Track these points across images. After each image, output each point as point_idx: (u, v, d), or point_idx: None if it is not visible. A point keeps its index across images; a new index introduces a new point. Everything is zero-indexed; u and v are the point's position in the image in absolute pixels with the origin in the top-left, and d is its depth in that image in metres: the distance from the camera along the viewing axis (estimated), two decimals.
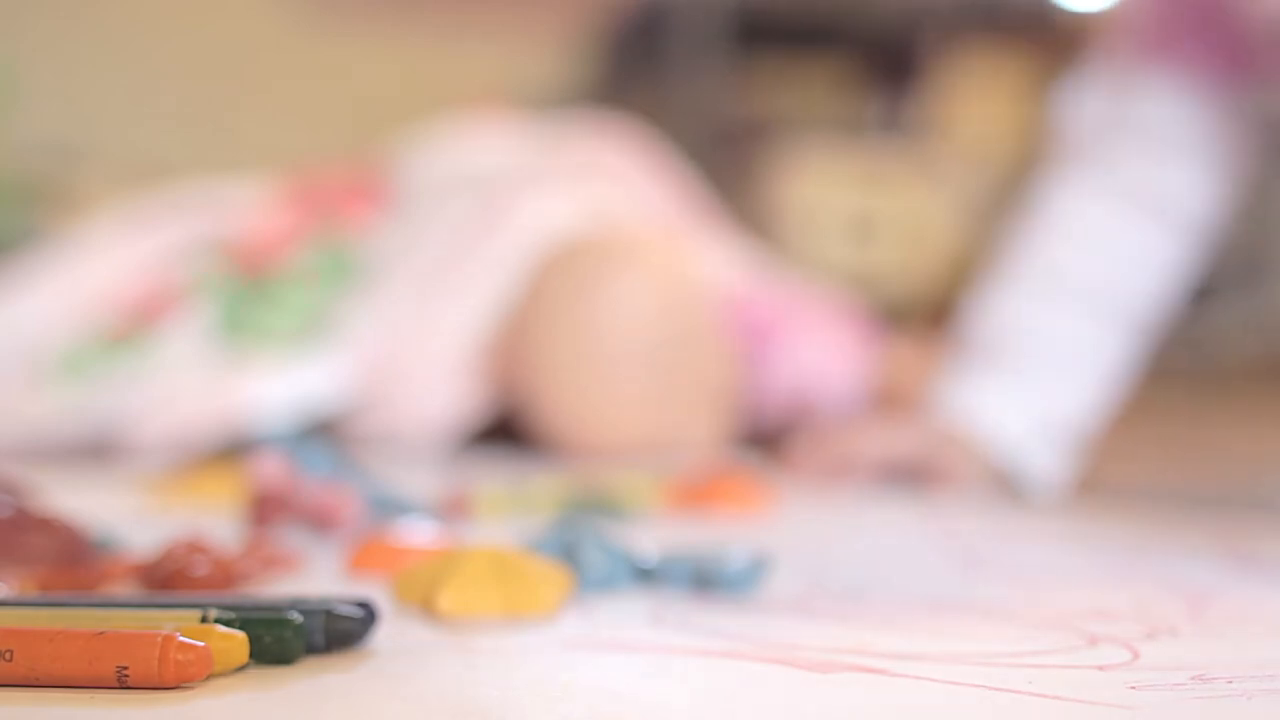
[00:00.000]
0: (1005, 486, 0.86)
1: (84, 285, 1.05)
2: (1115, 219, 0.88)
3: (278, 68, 2.30)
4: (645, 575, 0.54)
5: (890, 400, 1.08)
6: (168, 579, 0.51)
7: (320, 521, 0.63)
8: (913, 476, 0.86)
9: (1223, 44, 0.87)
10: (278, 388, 0.98)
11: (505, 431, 1.04)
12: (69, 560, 0.52)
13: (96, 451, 0.96)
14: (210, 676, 0.40)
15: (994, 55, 2.61)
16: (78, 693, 0.38)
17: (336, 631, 0.43)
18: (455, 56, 2.36)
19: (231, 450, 0.89)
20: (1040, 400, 0.87)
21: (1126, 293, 0.88)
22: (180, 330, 1.01)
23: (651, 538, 0.62)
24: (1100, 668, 0.44)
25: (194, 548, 0.52)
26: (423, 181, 1.09)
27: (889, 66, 2.50)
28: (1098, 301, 0.87)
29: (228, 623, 0.41)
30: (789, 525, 0.73)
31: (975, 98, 2.59)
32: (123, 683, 0.38)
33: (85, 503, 0.67)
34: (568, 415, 0.99)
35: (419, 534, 0.59)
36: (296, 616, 0.42)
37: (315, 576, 0.56)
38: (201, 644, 0.39)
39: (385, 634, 0.45)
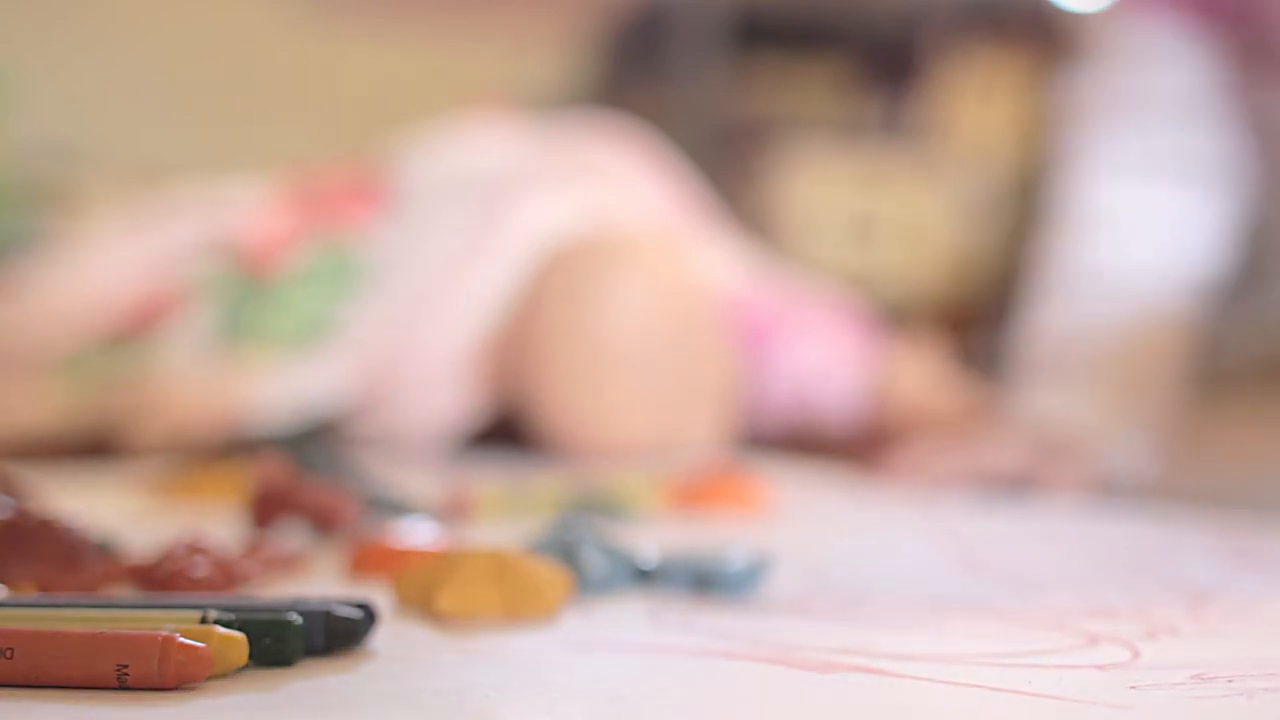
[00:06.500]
0: (1106, 487, 0.85)
1: (84, 285, 1.05)
2: (1146, 195, 0.88)
3: (278, 68, 2.30)
4: (645, 576, 0.54)
5: (890, 401, 1.08)
6: (168, 580, 0.51)
7: (321, 522, 0.63)
8: (1014, 487, 0.85)
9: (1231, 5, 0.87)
10: (278, 388, 0.98)
11: (505, 432, 1.04)
12: (69, 561, 0.52)
13: (96, 451, 0.96)
14: (210, 677, 0.40)
15: (994, 56, 2.61)
16: (78, 693, 0.38)
17: (336, 632, 0.43)
18: (455, 56, 2.36)
19: (231, 450, 0.89)
20: (1115, 398, 0.88)
21: (1174, 263, 0.89)
22: (181, 331, 1.01)
23: (651, 538, 0.62)
24: (1100, 667, 0.44)
25: (194, 548, 0.52)
26: (423, 182, 1.09)
27: (889, 67, 2.49)
28: (1148, 285, 0.88)
29: (227, 624, 0.41)
30: (789, 525, 0.73)
31: (975, 98, 2.59)
32: (123, 683, 0.38)
33: (85, 503, 0.67)
34: (568, 416, 0.99)
35: (419, 535, 0.59)
36: (296, 618, 0.42)
37: (315, 577, 0.56)
38: (201, 645, 0.39)
39: (385, 634, 0.45)
